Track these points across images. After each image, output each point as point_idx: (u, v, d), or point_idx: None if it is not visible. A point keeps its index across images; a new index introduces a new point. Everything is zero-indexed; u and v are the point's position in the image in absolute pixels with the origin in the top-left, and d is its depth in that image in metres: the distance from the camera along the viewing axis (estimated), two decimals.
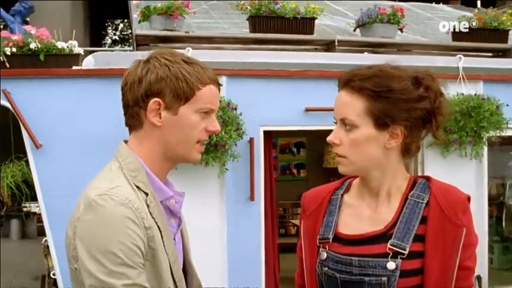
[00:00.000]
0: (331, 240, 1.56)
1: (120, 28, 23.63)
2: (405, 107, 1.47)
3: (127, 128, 1.54)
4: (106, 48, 18.55)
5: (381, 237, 1.50)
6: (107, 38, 23.99)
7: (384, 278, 1.45)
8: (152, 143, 1.48)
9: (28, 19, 10.27)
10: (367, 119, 1.48)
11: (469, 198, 1.54)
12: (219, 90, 1.51)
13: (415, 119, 1.49)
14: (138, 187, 1.41)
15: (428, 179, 1.59)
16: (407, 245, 1.47)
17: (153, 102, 1.43)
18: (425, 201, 1.53)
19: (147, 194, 1.42)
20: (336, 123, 1.55)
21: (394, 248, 1.47)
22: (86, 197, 1.37)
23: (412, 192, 1.56)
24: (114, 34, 24.13)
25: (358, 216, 1.57)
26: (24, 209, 8.50)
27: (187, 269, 1.60)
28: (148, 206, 1.40)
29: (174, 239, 1.51)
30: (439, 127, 1.54)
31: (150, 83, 1.43)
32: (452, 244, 1.47)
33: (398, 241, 1.48)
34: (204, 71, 1.46)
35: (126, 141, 1.53)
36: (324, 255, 1.56)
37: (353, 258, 1.50)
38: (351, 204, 1.61)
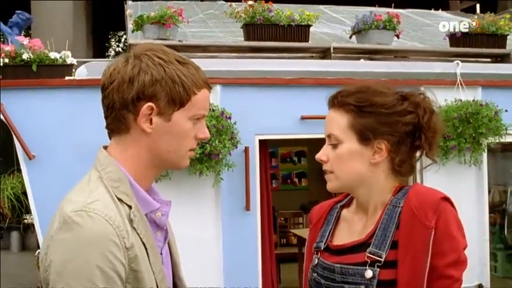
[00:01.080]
0: (322, 248, 1.60)
1: (123, 40, 23.72)
2: (388, 121, 1.49)
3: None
4: (110, 59, 18.59)
5: (362, 246, 1.50)
6: (110, 49, 24.10)
7: (362, 287, 1.45)
8: (138, 150, 1.33)
9: (31, 32, 10.34)
10: (350, 134, 1.52)
11: (446, 199, 1.46)
12: (210, 93, 1.41)
13: (400, 133, 1.50)
14: (120, 199, 1.27)
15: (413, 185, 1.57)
16: (384, 252, 1.45)
17: (146, 107, 1.29)
18: (401, 206, 1.49)
19: (130, 207, 1.28)
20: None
21: (372, 256, 1.46)
22: (61, 213, 1.23)
23: (392, 198, 1.53)
24: (118, 46, 24.23)
25: (351, 230, 1.59)
26: (25, 221, 8.48)
27: (176, 284, 1.49)
28: (132, 220, 1.26)
29: (161, 254, 1.39)
30: (431, 145, 1.53)
31: (144, 85, 1.28)
32: (422, 247, 1.42)
33: (376, 249, 1.47)
34: (199, 73, 1.35)
35: (106, 147, 1.37)
36: (315, 261, 1.61)
37: (336, 265, 1.52)
38: (347, 218, 1.64)
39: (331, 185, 1.57)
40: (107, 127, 1.37)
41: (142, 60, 1.30)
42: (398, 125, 1.49)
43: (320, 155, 1.57)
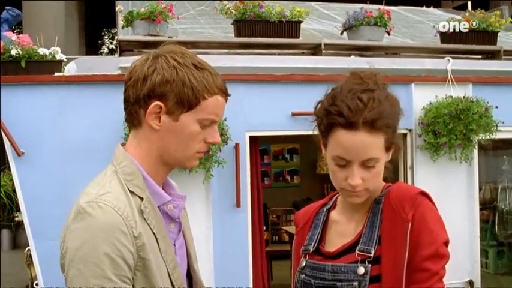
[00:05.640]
0: (311, 251, 1.60)
1: (116, 37, 23.60)
2: (398, 125, 1.54)
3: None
4: (100, 56, 18.51)
5: (353, 246, 1.52)
6: (103, 47, 24.03)
7: (355, 283, 1.46)
8: (150, 145, 1.43)
9: (22, 29, 10.28)
10: (384, 150, 1.51)
11: (423, 194, 1.48)
12: (227, 100, 1.44)
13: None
14: (132, 192, 1.37)
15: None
16: (372, 248, 1.47)
17: (155, 105, 1.37)
18: (383, 202, 1.52)
19: (142, 199, 1.37)
20: (343, 164, 1.47)
21: (362, 253, 1.48)
22: (76, 204, 1.34)
23: (376, 197, 1.56)
24: (111, 43, 24.14)
25: (343, 232, 1.59)
26: (16, 219, 8.45)
27: (191, 275, 1.57)
28: (142, 211, 1.36)
29: (174, 245, 1.47)
30: None
31: (155, 84, 1.37)
32: (401, 240, 1.43)
33: (365, 245, 1.49)
34: (214, 79, 1.40)
35: (124, 144, 1.48)
36: (303, 263, 1.60)
37: (327, 264, 1.53)
38: (337, 221, 1.63)
39: (362, 200, 1.52)
40: (125, 120, 1.48)
41: (159, 61, 1.39)
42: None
43: (358, 182, 1.47)
